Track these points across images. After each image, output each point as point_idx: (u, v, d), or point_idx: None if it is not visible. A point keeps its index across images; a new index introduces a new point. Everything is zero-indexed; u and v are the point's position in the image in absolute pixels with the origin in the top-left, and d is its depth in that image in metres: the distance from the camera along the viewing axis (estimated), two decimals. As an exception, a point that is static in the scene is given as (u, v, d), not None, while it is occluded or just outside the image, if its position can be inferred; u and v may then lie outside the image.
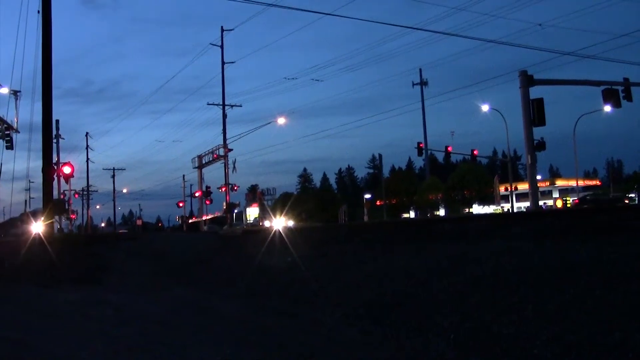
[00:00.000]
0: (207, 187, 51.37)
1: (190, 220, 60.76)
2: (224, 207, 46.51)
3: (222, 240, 17.39)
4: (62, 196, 41.17)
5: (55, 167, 28.71)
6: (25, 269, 14.36)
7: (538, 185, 38.09)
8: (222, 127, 42.72)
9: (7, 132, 26.21)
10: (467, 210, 58.69)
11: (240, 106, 44.33)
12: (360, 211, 63.19)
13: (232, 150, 42.91)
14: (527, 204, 38.16)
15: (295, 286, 9.19)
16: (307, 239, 13.42)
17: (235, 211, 60.11)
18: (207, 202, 52.44)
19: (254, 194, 72.71)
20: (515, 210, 48.24)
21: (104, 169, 74.94)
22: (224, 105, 42.61)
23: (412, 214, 63.24)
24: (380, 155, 69.69)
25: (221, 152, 43.41)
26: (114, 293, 11.20)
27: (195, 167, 51.82)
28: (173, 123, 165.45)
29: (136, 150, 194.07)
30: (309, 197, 73.40)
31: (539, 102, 25.78)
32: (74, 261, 15.56)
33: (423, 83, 65.59)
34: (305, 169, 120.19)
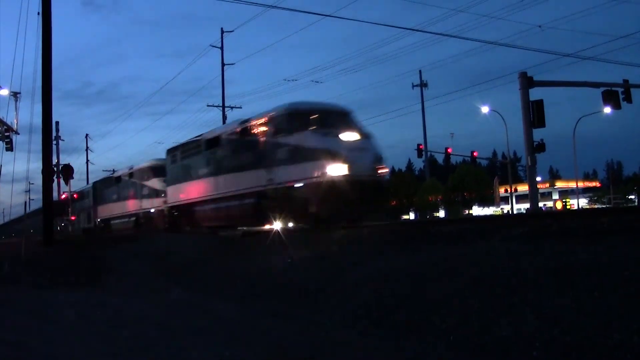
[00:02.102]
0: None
1: None
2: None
3: (222, 242, 17.38)
4: (62, 198, 41.17)
5: (55, 168, 28.75)
6: (24, 271, 14.38)
7: (538, 186, 38.08)
8: (222, 129, 42.72)
9: (7, 134, 26.27)
10: (467, 211, 58.68)
11: (240, 108, 44.33)
12: (360, 212, 62.95)
13: (232, 151, 42.74)
14: (527, 205, 38.14)
15: (295, 288, 9.19)
16: (307, 240, 13.40)
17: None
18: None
19: (254, 196, 72.41)
20: (515, 211, 48.21)
21: (103, 171, 74.72)
22: (223, 106, 42.63)
23: (412, 216, 63.22)
24: (380, 157, 69.51)
25: (221, 153, 43.26)
26: (112, 295, 11.21)
27: (195, 169, 51.62)
28: (173, 124, 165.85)
29: (136, 152, 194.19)
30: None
31: (539, 103, 25.83)
32: (73, 263, 15.58)
33: (423, 85, 65.60)
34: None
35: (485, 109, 45.15)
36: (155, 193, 26.30)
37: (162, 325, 7.75)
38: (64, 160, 44.57)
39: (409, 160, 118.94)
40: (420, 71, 66.07)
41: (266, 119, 16.53)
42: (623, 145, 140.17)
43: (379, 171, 14.90)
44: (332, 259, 10.18)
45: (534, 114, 25.45)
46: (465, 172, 59.91)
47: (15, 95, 26.17)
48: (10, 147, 26.47)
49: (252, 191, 16.55)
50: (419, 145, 47.16)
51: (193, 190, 20.47)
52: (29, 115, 39.82)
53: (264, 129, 16.61)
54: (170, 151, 23.28)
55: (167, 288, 11.61)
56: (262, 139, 16.50)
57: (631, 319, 4.71)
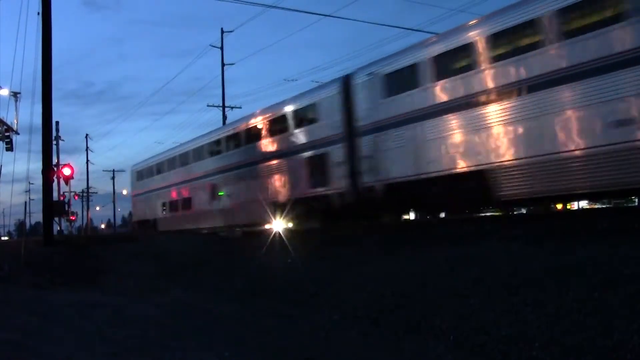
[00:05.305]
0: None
1: None
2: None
3: (222, 242, 17.40)
4: (61, 198, 41.16)
5: (55, 168, 28.73)
6: (25, 271, 14.37)
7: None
8: (222, 129, 42.66)
9: (7, 134, 26.23)
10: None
11: (240, 108, 44.23)
12: (360, 213, 62.90)
13: (232, 151, 42.65)
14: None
15: (294, 288, 9.18)
16: (307, 241, 13.41)
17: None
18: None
19: (254, 196, 72.25)
20: (515, 212, 48.06)
21: (104, 171, 75.08)
22: (224, 106, 42.58)
23: (412, 216, 63.06)
24: (380, 157, 69.37)
25: (221, 153, 43.19)
26: (112, 295, 11.19)
27: (196, 169, 51.40)
28: (173, 124, 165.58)
29: (136, 152, 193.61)
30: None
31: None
32: (73, 263, 15.57)
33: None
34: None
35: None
36: None
37: (162, 326, 7.74)
38: (65, 160, 44.66)
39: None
40: (420, 71, 66.11)
41: None
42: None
43: None
44: (331, 259, 10.17)
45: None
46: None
47: (15, 95, 26.13)
48: (10, 147, 26.42)
49: None
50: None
51: None
52: (29, 115, 39.79)
53: None
54: None
55: (167, 288, 11.60)
56: None
57: (631, 319, 4.70)
